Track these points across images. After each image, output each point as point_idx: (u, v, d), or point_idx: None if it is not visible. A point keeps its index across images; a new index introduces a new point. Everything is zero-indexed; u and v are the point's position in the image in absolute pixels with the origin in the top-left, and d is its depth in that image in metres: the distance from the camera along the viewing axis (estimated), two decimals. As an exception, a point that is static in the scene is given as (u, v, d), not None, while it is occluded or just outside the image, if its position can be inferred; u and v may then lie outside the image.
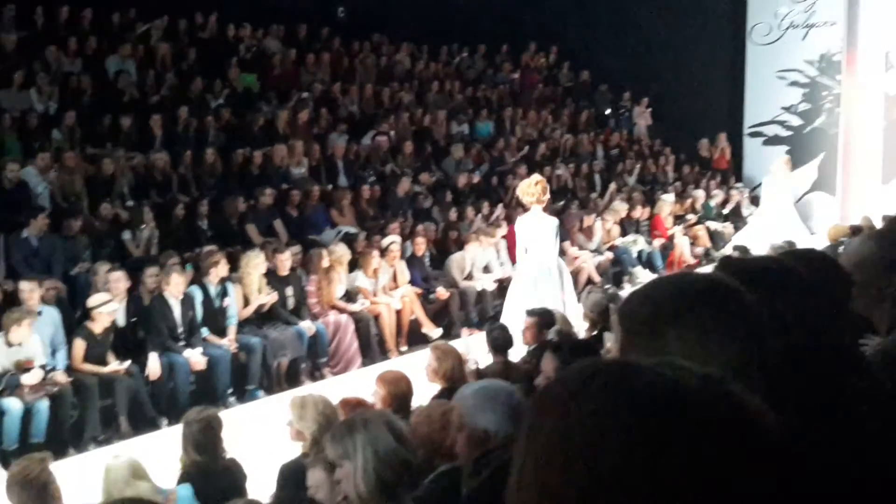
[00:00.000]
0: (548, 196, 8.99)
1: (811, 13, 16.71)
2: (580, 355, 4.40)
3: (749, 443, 0.85)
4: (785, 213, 12.40)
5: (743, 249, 10.71)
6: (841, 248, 7.39)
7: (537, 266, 8.63)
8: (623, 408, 0.86)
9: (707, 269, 11.56)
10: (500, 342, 6.25)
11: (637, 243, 13.42)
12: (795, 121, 17.10)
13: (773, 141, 17.33)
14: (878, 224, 9.19)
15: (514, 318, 7.44)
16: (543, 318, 6.40)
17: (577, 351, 4.47)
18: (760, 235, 11.56)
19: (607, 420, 0.85)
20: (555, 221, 8.92)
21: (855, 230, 9.73)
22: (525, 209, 9.09)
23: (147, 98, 12.21)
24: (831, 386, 1.80)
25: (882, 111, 16.23)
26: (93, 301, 7.71)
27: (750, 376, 1.40)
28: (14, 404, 6.98)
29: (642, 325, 1.45)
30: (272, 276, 9.15)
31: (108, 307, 7.67)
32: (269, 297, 8.97)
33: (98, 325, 7.69)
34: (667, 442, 0.83)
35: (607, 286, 12.20)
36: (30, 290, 7.51)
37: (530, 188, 8.70)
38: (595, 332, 6.67)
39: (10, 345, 7.12)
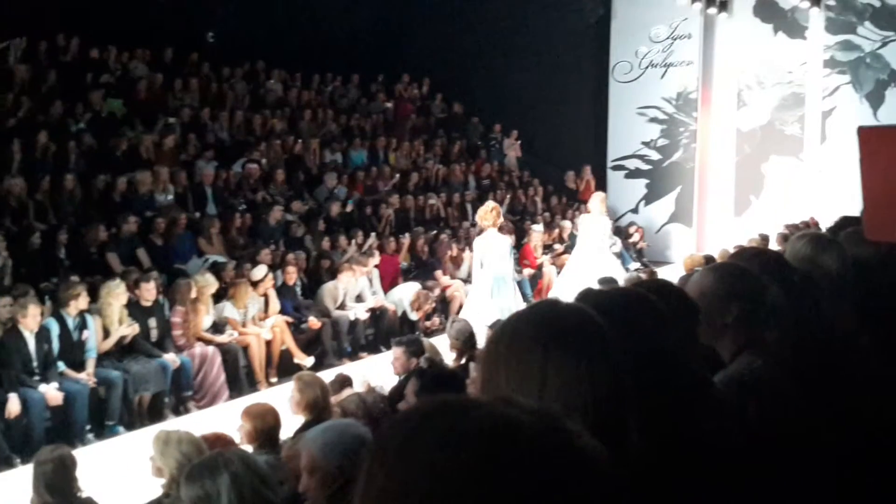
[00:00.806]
0: (502, 219, 10.43)
1: (669, 53, 17.56)
2: (444, 382, 4.45)
3: (579, 479, 0.87)
4: (600, 250, 12.28)
5: (608, 281, 11.03)
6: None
7: (493, 279, 9.82)
8: (456, 448, 0.86)
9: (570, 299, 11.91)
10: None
11: (507, 272, 13.64)
12: (655, 155, 17.90)
13: (634, 174, 18.08)
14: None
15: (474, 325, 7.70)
16: (411, 348, 6.40)
17: (440, 378, 4.50)
18: (578, 271, 11.74)
19: (441, 461, 0.86)
20: (509, 239, 10.52)
21: (709, 260, 10.19)
22: (480, 231, 10.31)
23: (4, 121, 11.62)
24: (685, 416, 1.88)
25: (734, 147, 17.19)
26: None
27: (609, 409, 1.45)
28: None
29: (509, 356, 1.47)
30: (134, 307, 8.83)
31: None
32: (130, 329, 8.64)
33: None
34: (499, 480, 0.84)
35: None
36: None
37: (488, 214, 9.94)
38: (462, 361, 6.73)
39: None
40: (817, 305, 2.87)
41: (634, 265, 16.22)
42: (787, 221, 13.08)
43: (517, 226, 15.02)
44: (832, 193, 14.49)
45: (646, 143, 17.92)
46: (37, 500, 4.49)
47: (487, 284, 9.80)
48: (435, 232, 13.72)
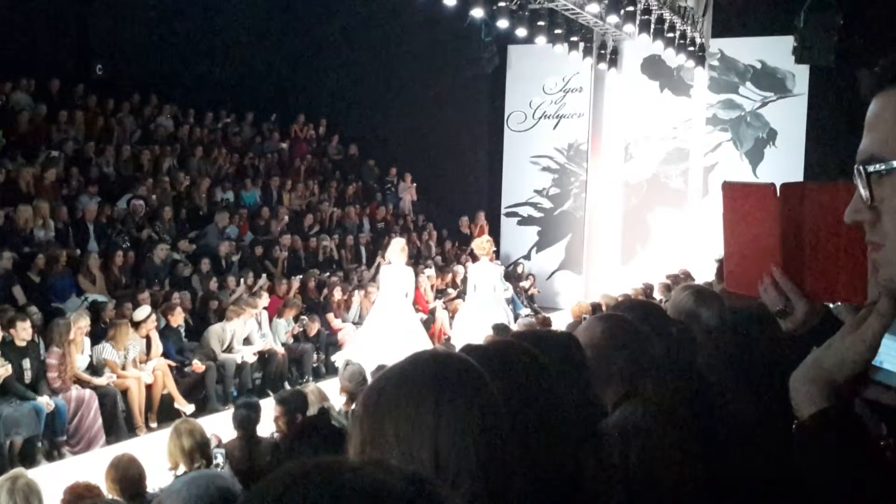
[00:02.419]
0: (494, 249, 12.62)
1: (561, 105, 18.08)
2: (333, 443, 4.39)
3: None
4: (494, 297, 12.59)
5: (501, 328, 11.17)
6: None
7: (484, 300, 11.78)
8: None
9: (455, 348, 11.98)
10: (246, 420, 6.02)
11: (399, 316, 13.61)
12: (547, 203, 18.31)
13: (526, 221, 18.43)
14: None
15: (465, 339, 8.24)
16: (292, 405, 6.13)
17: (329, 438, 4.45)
18: (472, 317, 11.94)
19: None
20: (501, 268, 12.77)
21: (595, 308, 10.42)
22: (475, 259, 12.43)
23: None
24: (568, 463, 1.89)
25: (622, 197, 17.74)
26: None
27: (497, 453, 1.45)
28: None
29: (397, 408, 1.45)
30: (7, 347, 8.39)
31: None
32: (2, 370, 8.20)
33: None
34: None
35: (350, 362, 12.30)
36: None
37: (483, 244, 12.12)
38: (353, 406, 6.63)
39: None
40: (692, 357, 2.98)
41: (526, 311, 16.45)
42: (668, 272, 13.52)
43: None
44: (711, 246, 15.09)
45: (538, 192, 18.31)
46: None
47: (478, 307, 11.72)
48: (328, 274, 13.59)
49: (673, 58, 15.43)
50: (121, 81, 15.64)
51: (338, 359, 11.00)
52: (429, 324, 14.10)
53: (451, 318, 14.63)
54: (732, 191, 1.63)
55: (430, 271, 15.08)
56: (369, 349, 10.11)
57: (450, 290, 15.23)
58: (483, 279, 11.96)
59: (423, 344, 10.27)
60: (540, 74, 17.98)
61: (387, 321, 10.62)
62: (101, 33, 15.31)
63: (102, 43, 15.57)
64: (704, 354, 3.06)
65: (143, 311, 9.94)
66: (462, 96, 18.03)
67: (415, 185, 18.37)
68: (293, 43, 18.40)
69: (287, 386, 10.65)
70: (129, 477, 4.49)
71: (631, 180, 17.68)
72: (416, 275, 14.66)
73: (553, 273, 18.04)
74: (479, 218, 18.10)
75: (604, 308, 9.35)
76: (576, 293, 16.50)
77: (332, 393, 7.11)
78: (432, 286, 14.81)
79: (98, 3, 15.82)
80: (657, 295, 11.74)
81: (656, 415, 2.47)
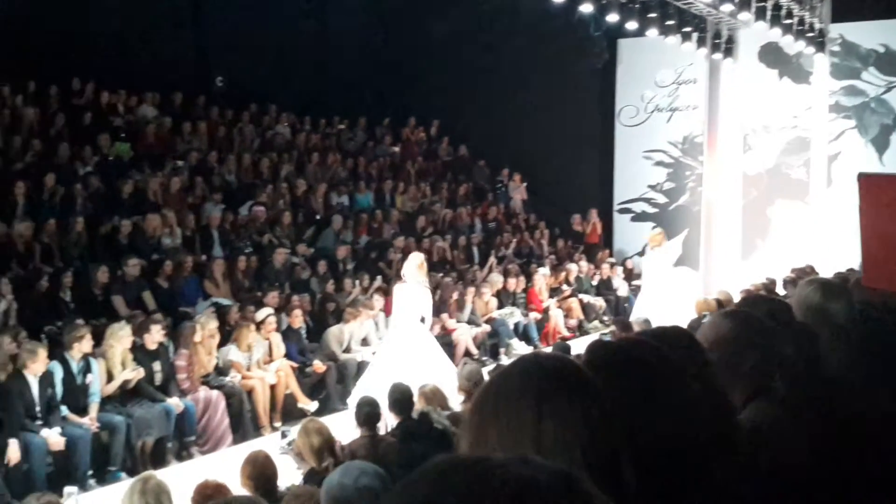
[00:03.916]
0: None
1: (675, 97, 17.68)
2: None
3: None
4: (666, 284, 13.28)
5: (621, 322, 11.04)
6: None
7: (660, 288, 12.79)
8: None
9: (581, 341, 11.80)
10: (371, 417, 6.14)
11: (513, 315, 13.62)
12: (661, 198, 17.94)
13: (640, 217, 18.10)
14: (737, 297, 9.65)
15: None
16: (396, 406, 6.29)
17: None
18: (647, 307, 12.21)
19: None
20: (671, 254, 13.39)
21: (721, 304, 10.14)
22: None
23: (11, 164, 11.71)
24: (697, 465, 1.84)
25: (741, 190, 17.19)
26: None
27: (603, 451, 1.43)
28: None
29: (498, 413, 1.45)
30: (139, 351, 8.79)
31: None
32: (134, 373, 8.60)
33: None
34: None
35: (484, 358, 12.34)
36: None
37: (655, 236, 13.33)
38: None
39: None
40: (819, 353, 2.87)
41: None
42: (792, 265, 13.05)
43: (523, 269, 15.03)
44: (837, 238, 14.47)
45: (652, 187, 17.97)
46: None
47: (655, 295, 12.68)
48: (441, 275, 13.71)
49: (791, 45, 14.85)
50: (239, 92, 16.20)
51: (352, 397, 9.13)
52: (543, 323, 14.04)
53: (566, 316, 14.53)
54: (870, 183, 1.57)
55: (544, 270, 15.00)
56: (383, 381, 8.42)
57: (563, 288, 15.11)
58: (656, 268, 12.86)
59: (446, 371, 9.00)
60: (651, 67, 17.65)
61: (400, 349, 9.33)
62: (219, 47, 15.90)
63: (221, 56, 16.16)
64: (834, 350, 2.95)
65: (263, 313, 10.25)
66: (572, 92, 17.86)
67: (525, 184, 18.31)
68: (403, 48, 18.63)
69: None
70: (264, 474, 4.66)
71: (750, 172, 17.11)
72: (530, 275, 14.62)
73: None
74: (592, 215, 17.89)
75: (722, 307, 9.09)
76: (694, 290, 16.06)
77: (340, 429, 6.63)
78: (546, 285, 14.73)
79: (215, 19, 16.44)
80: (780, 290, 11.33)
81: (787, 413, 2.39)
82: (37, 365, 7.78)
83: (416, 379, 7.67)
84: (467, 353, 12.07)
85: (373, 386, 8.48)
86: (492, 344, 13.00)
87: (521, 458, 0.95)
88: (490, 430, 1.44)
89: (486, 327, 13.05)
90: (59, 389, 8.05)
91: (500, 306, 13.68)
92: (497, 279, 13.93)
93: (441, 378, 8.06)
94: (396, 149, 17.91)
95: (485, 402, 1.48)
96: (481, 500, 0.87)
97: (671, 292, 12.63)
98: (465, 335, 12.41)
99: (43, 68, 13.42)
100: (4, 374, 7.85)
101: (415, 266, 9.52)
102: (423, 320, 9.49)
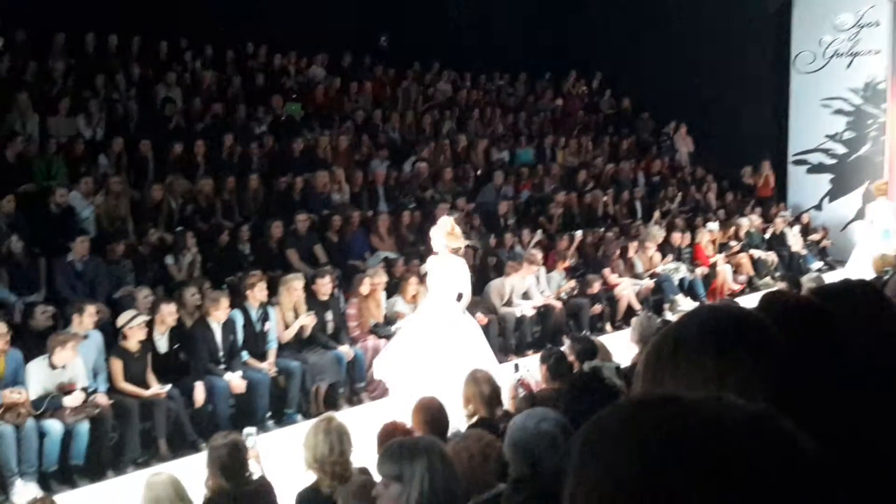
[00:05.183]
0: None
1: (855, 42, 16.52)
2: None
3: (804, 481, 0.84)
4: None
5: (791, 278, 10.61)
6: (886, 278, 7.24)
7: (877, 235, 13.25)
8: (675, 446, 0.85)
9: (751, 298, 11.38)
10: (559, 369, 6.16)
11: (679, 271, 13.28)
12: (840, 149, 16.89)
13: (817, 169, 17.13)
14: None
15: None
16: (553, 368, 6.17)
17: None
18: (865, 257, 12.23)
19: (659, 458, 0.84)
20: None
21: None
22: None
23: (193, 125, 12.41)
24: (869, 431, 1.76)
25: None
26: (122, 319, 7.81)
27: (783, 406, 1.39)
28: (55, 426, 7.05)
29: (677, 363, 1.43)
30: (312, 301, 9.20)
31: (137, 320, 7.74)
32: (308, 318, 9.01)
33: (131, 343, 7.73)
34: (723, 481, 0.82)
35: (648, 314, 12.11)
36: (88, 314, 7.63)
37: (881, 186, 14.05)
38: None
39: (53, 367, 7.22)
40: None
41: (817, 265, 15.40)
42: None
43: (689, 223, 14.60)
44: None
45: (830, 137, 16.94)
46: (211, 481, 4.74)
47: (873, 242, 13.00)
48: (603, 230, 13.53)
49: None
50: (402, 50, 16.44)
51: (377, 369, 8.52)
52: (710, 279, 13.62)
53: (734, 272, 14.04)
54: None
55: (713, 225, 14.50)
56: (404, 363, 7.89)
57: (732, 244, 14.57)
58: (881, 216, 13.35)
59: (483, 358, 7.69)
60: (830, 10, 16.56)
61: (429, 331, 7.92)
62: (384, 6, 16.14)
63: (385, 15, 16.41)
64: None
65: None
66: (743, 39, 17.01)
67: (691, 135, 17.69)
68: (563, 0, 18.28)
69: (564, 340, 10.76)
70: (436, 419, 4.80)
71: (939, 119, 15.86)
72: (696, 230, 14.16)
73: (848, 224, 16.64)
74: (764, 167, 17.08)
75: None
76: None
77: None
78: (713, 241, 14.26)
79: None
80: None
81: None
82: (219, 313, 8.31)
83: (444, 365, 7.25)
84: (630, 309, 11.90)
85: (394, 364, 7.93)
86: (655, 300, 12.75)
87: (715, 396, 0.93)
88: (667, 382, 1.42)
89: (650, 282, 12.80)
90: (240, 336, 8.56)
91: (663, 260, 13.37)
92: (659, 233, 13.60)
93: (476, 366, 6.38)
94: (559, 102, 17.69)
95: (661, 354, 1.46)
96: (678, 439, 0.85)
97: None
98: (627, 290, 12.23)
99: (220, 34, 14.09)
100: (191, 321, 8.43)
101: (444, 233, 7.99)
102: (459, 298, 8.09)
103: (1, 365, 7.20)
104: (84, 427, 7.16)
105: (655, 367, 1.45)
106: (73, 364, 7.30)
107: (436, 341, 7.73)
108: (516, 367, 7.41)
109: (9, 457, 6.78)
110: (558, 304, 11.44)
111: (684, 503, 0.82)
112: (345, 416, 7.72)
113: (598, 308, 11.86)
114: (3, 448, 6.78)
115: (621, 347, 7.59)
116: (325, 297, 9.31)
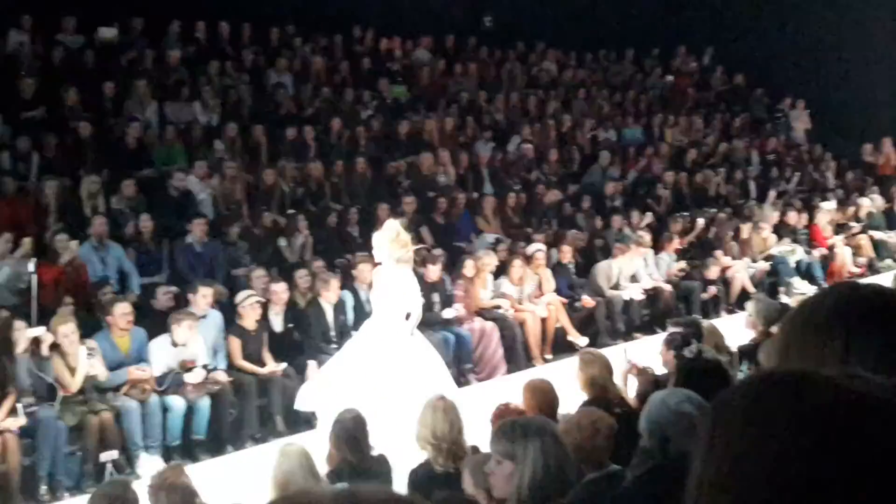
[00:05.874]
0: None
1: None
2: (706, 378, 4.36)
3: None
4: None
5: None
6: None
7: None
8: (810, 421, 0.82)
9: (874, 279, 10.89)
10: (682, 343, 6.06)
11: (795, 253, 12.82)
12: (970, 125, 15.94)
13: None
14: None
15: None
16: (674, 343, 6.08)
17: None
18: None
19: (793, 433, 0.81)
20: None
21: None
22: None
23: (302, 110, 12.67)
24: None
25: None
26: (238, 298, 8.08)
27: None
28: (177, 402, 7.37)
29: (805, 340, 1.39)
30: (420, 282, 9.26)
31: (250, 300, 7.98)
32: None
33: (248, 321, 8.00)
34: (862, 456, 0.79)
35: (764, 296, 11.74)
36: (202, 294, 7.94)
37: None
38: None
39: (175, 345, 7.53)
40: None
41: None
42: None
43: (805, 203, 14.07)
44: None
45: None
46: (335, 455, 4.87)
47: None
48: (715, 210, 13.18)
49: None
50: (506, 31, 16.34)
51: (301, 400, 7.44)
52: (828, 261, 13.11)
53: (854, 254, 13.47)
54: None
55: (829, 204, 13.93)
56: (342, 388, 6.74)
57: (851, 225, 13.96)
58: None
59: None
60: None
61: (371, 356, 6.89)
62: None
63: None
64: None
65: (533, 247, 10.43)
66: (866, 9, 16.18)
67: (809, 111, 16.99)
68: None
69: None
70: (548, 401, 4.83)
71: None
72: (812, 209, 13.61)
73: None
74: (885, 144, 16.27)
75: None
76: None
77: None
78: (831, 221, 13.70)
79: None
80: None
81: None
82: (330, 293, 8.50)
83: (390, 394, 6.49)
84: (744, 292, 11.55)
85: (327, 401, 6.68)
86: (770, 282, 12.34)
87: (848, 372, 0.89)
88: (794, 359, 1.38)
89: (765, 265, 12.41)
90: (350, 316, 8.73)
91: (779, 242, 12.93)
92: (773, 214, 13.15)
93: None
94: (669, 78, 17.24)
95: (792, 330, 1.42)
96: (809, 416, 0.82)
97: None
98: (741, 273, 11.89)
99: (327, 19, 14.31)
100: (304, 301, 8.64)
101: (387, 239, 6.87)
102: (408, 317, 6.99)
103: (126, 343, 7.55)
104: (205, 403, 7.46)
105: (784, 342, 1.42)
106: (194, 342, 7.60)
107: (380, 368, 6.75)
108: (625, 351, 7.28)
109: (134, 431, 7.12)
110: (668, 287, 11.22)
111: (825, 480, 0.79)
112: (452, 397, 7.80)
113: (712, 290, 11.56)
114: (128, 423, 7.12)
115: (735, 331, 7.39)
116: (433, 279, 9.38)
